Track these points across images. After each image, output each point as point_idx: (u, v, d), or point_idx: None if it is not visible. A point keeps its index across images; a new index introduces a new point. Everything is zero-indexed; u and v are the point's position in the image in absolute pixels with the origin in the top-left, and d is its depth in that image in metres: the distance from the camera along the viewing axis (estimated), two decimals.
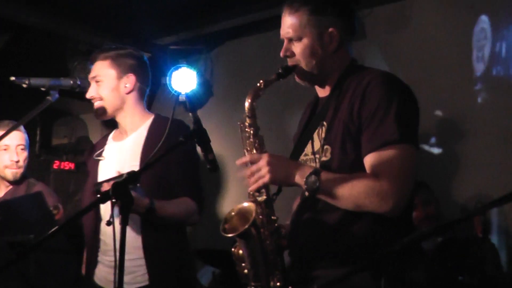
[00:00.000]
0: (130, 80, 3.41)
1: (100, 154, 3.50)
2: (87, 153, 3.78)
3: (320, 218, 2.61)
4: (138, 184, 3.24)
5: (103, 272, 3.35)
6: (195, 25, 5.58)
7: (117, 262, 2.31)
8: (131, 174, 2.39)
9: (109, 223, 2.63)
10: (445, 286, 3.82)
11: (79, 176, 5.64)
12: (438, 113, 4.76)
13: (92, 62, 3.46)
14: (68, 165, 5.73)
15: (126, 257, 3.24)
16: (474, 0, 4.63)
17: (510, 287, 4.17)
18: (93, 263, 3.38)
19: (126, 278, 3.26)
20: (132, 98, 3.43)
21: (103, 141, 3.63)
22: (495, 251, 4.16)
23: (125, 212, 2.29)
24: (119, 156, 3.39)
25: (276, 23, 2.85)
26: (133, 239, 3.27)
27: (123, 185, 2.30)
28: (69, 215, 3.35)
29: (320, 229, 2.61)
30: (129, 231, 3.25)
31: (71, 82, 3.25)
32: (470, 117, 4.61)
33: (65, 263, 3.25)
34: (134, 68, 3.45)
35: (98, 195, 3.03)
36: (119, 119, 3.47)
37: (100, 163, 3.47)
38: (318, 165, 2.64)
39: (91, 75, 3.44)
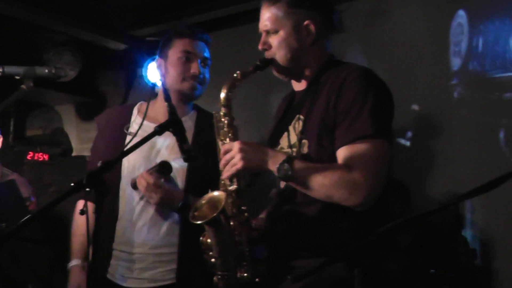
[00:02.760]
0: None
1: (128, 128, 3.44)
2: (101, 120, 3.68)
3: (298, 210, 2.65)
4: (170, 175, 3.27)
5: (119, 266, 3.33)
6: (172, 17, 5.58)
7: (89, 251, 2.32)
8: (107, 162, 2.38)
9: (82, 212, 2.63)
10: (417, 278, 3.86)
11: (53, 167, 5.61)
12: (415, 107, 4.78)
13: (186, 35, 3.51)
14: (42, 156, 5.68)
15: (152, 251, 3.27)
16: None
17: (483, 280, 4.22)
18: (106, 256, 3.34)
19: (150, 273, 3.29)
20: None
21: (124, 113, 3.56)
22: (467, 244, 4.21)
23: (100, 201, 2.30)
24: (167, 146, 3.37)
25: (253, 16, 2.87)
26: (163, 234, 3.30)
27: (97, 174, 2.30)
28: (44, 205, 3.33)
29: (298, 221, 2.64)
30: (163, 226, 3.33)
31: (46, 71, 3.23)
32: (446, 111, 4.64)
33: (39, 253, 3.25)
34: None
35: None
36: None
37: (128, 138, 3.29)
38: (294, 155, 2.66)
39: (202, 54, 3.50)
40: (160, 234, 3.31)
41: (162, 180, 3.26)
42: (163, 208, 3.28)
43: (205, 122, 3.25)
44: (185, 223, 3.21)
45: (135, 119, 3.48)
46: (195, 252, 3.12)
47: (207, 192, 3.06)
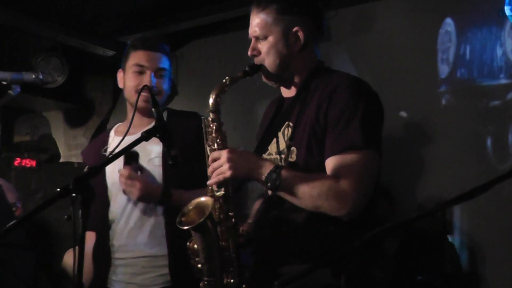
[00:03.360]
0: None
1: (106, 150, 3.47)
2: (84, 153, 3.75)
3: (285, 217, 2.65)
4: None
5: (120, 274, 3.36)
6: (160, 24, 5.58)
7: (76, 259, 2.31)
8: (93, 168, 2.39)
9: (69, 218, 2.63)
10: (404, 285, 3.87)
11: (40, 174, 5.59)
12: (403, 114, 4.80)
13: (138, 47, 3.48)
14: (30, 163, 5.65)
15: (142, 258, 3.29)
16: (439, 3, 4.68)
17: (469, 286, 4.24)
18: (105, 264, 3.38)
19: (141, 278, 3.29)
20: None
21: (102, 140, 3.60)
22: (454, 250, 4.22)
23: (86, 206, 2.29)
24: (142, 146, 3.35)
25: (241, 23, 2.88)
26: (150, 239, 3.31)
27: (83, 179, 2.30)
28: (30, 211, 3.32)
29: (285, 228, 2.65)
30: (152, 229, 3.35)
31: (33, 76, 3.24)
32: (434, 118, 4.65)
33: (24, 259, 3.23)
34: (171, 70, 3.57)
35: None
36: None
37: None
38: (281, 163, 2.66)
39: (153, 65, 3.45)
40: (147, 238, 3.33)
41: (139, 172, 3.27)
42: (145, 203, 3.30)
43: (177, 123, 3.31)
44: (171, 225, 3.20)
45: (113, 140, 3.54)
46: (185, 255, 3.18)
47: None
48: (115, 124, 3.72)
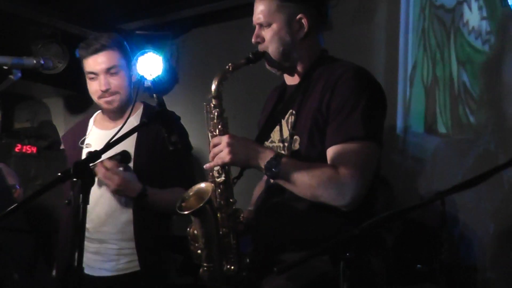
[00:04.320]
0: (134, 66, 3.46)
1: (83, 142, 3.49)
2: (64, 138, 3.80)
3: (286, 205, 2.65)
4: (129, 165, 3.29)
5: (88, 259, 3.34)
6: (162, 11, 5.57)
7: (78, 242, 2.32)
8: (93, 153, 2.39)
9: (69, 202, 2.64)
10: (402, 274, 3.88)
11: (40, 160, 5.60)
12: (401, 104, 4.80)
13: (99, 51, 3.40)
14: (30, 149, 5.67)
15: (116, 243, 3.30)
16: None
17: (466, 276, 4.25)
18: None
19: (111, 264, 3.34)
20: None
21: (81, 127, 3.61)
22: (453, 241, 4.25)
23: (86, 191, 2.29)
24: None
25: (243, 11, 2.88)
26: (124, 225, 3.35)
27: (84, 164, 2.30)
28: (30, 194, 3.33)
29: (286, 216, 2.65)
30: (120, 217, 3.39)
31: (34, 61, 3.23)
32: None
33: (22, 244, 3.24)
34: (131, 53, 3.49)
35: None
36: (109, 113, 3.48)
37: (84, 151, 3.46)
38: (284, 151, 2.67)
39: (102, 66, 3.39)
40: (118, 225, 3.39)
41: (121, 168, 3.30)
42: (120, 196, 3.33)
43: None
44: (139, 214, 3.32)
45: (91, 130, 3.57)
46: (152, 245, 3.32)
47: (153, 185, 3.25)
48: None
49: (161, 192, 3.32)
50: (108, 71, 3.39)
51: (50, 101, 6.52)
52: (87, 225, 3.29)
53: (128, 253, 3.37)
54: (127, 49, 3.50)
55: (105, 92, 3.40)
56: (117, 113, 3.48)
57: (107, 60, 3.40)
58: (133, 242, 3.36)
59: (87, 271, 3.33)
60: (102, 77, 3.40)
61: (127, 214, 3.37)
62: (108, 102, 3.42)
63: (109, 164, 3.26)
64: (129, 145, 3.33)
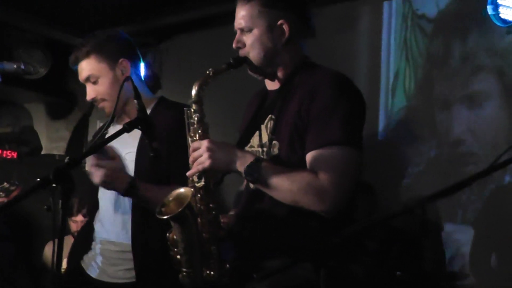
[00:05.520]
0: (124, 65, 3.27)
1: (104, 135, 3.37)
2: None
3: (267, 211, 2.64)
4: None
5: (97, 261, 3.30)
6: (145, 18, 5.56)
7: (56, 248, 2.29)
8: (72, 159, 2.37)
9: (48, 208, 2.60)
10: (383, 281, 3.88)
11: (22, 166, 5.57)
12: (383, 113, 4.81)
13: (75, 63, 3.29)
14: (11, 154, 5.64)
15: (112, 247, 3.23)
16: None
17: (447, 283, 4.27)
18: (84, 250, 3.33)
19: (113, 269, 3.25)
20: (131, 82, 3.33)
21: (106, 124, 3.51)
22: (434, 248, 4.26)
23: (66, 197, 2.27)
24: (119, 141, 3.29)
25: (226, 19, 2.87)
26: (121, 230, 3.23)
27: (64, 170, 2.28)
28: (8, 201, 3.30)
29: (267, 222, 2.64)
30: (117, 221, 3.26)
31: (15, 66, 3.20)
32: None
33: (3, 248, 3.22)
34: (122, 51, 3.31)
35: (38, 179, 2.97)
36: (125, 106, 3.32)
37: None
38: (264, 156, 2.66)
39: (82, 77, 3.28)
40: (120, 230, 3.27)
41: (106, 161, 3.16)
42: (109, 190, 3.17)
43: (163, 113, 3.26)
44: (137, 221, 3.18)
45: (112, 125, 3.43)
46: (151, 250, 3.12)
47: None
48: (97, 117, 3.68)
49: (156, 188, 3.11)
50: (87, 81, 3.30)
51: (31, 107, 6.49)
52: (99, 229, 3.30)
53: (129, 259, 3.20)
54: (108, 48, 3.32)
55: (95, 101, 3.33)
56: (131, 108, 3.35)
57: (82, 71, 3.30)
58: (130, 248, 3.21)
59: (89, 271, 3.29)
60: (87, 87, 3.32)
61: (128, 218, 3.22)
62: (102, 109, 3.35)
63: (92, 160, 3.11)
64: (134, 137, 3.21)
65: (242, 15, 2.73)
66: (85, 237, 3.38)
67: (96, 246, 3.32)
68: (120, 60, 3.28)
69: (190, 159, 2.59)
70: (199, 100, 2.64)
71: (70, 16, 5.38)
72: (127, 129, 2.55)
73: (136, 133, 3.19)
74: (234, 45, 2.76)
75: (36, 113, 6.46)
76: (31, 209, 3.77)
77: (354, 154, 2.57)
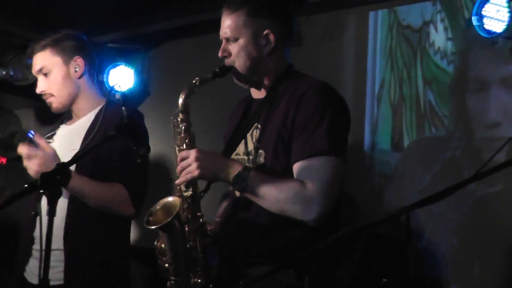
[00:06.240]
0: (78, 63, 3.28)
1: (50, 137, 3.38)
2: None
3: (252, 219, 2.65)
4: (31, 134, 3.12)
5: (32, 264, 3.22)
6: (134, 25, 5.56)
7: (43, 255, 2.27)
8: (60, 165, 2.37)
9: (36, 214, 2.58)
10: (369, 287, 3.89)
11: (10, 171, 5.54)
12: (368, 122, 4.83)
13: (31, 55, 3.29)
14: (0, 160, 5.63)
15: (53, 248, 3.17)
16: (408, 12, 4.73)
17: None
18: (26, 256, 3.25)
19: (32, 263, 3.18)
20: (84, 82, 3.32)
21: (57, 124, 3.50)
22: (418, 255, 4.27)
23: (53, 202, 2.26)
24: (65, 140, 3.27)
25: (213, 26, 2.87)
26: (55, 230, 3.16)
27: (51, 176, 2.27)
28: None
29: (252, 230, 2.65)
30: (59, 224, 3.11)
31: (4, 72, 3.21)
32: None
33: None
34: (78, 49, 3.32)
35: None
36: (73, 104, 3.34)
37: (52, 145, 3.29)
38: (249, 164, 2.66)
39: (35, 69, 3.28)
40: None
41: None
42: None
43: (108, 115, 3.23)
44: (70, 222, 3.11)
45: (61, 126, 3.48)
46: (81, 251, 3.05)
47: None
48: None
49: (93, 182, 3.09)
50: (39, 74, 3.30)
51: (20, 112, 6.45)
52: (37, 234, 3.18)
53: (60, 260, 3.13)
54: (65, 44, 3.34)
55: (44, 95, 3.33)
56: (70, 111, 3.39)
57: (36, 64, 3.30)
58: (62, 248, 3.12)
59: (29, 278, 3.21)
60: (38, 79, 3.33)
61: (60, 220, 3.09)
62: (49, 104, 3.33)
63: (23, 150, 3.09)
64: (79, 137, 3.23)
65: (227, 24, 2.73)
66: (25, 249, 3.29)
67: (34, 253, 3.25)
68: (75, 57, 3.30)
69: (178, 168, 2.59)
70: (185, 109, 2.65)
71: (59, 22, 5.33)
72: (115, 135, 2.55)
73: (81, 132, 3.20)
74: (220, 54, 2.76)
75: (25, 119, 6.42)
76: (16, 215, 3.71)
77: (339, 163, 2.58)
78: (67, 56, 3.29)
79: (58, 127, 3.40)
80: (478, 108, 4.16)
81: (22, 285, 3.22)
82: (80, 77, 3.31)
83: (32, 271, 3.20)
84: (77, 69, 3.29)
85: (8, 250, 3.27)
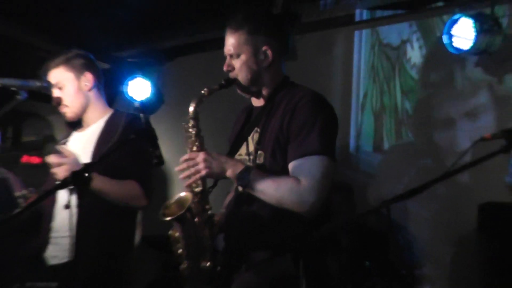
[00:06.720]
0: (88, 78, 3.29)
1: (64, 143, 3.37)
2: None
3: (253, 211, 2.63)
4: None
5: (51, 249, 3.20)
6: (150, 42, 5.57)
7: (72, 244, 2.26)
8: (87, 164, 2.36)
9: (66, 206, 2.57)
10: (354, 270, 3.88)
11: (45, 169, 5.53)
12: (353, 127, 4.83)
13: (46, 73, 3.29)
14: (35, 160, 5.63)
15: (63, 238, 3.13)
16: (388, 32, 4.74)
17: (407, 271, 4.28)
18: (45, 243, 3.22)
19: (51, 248, 3.15)
20: (93, 94, 3.31)
21: (70, 132, 3.49)
22: (397, 243, 4.27)
23: (82, 197, 2.26)
24: (77, 145, 3.28)
25: (218, 44, 2.86)
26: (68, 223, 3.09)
27: (80, 173, 2.27)
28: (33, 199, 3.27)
29: (252, 220, 2.63)
30: (65, 216, 3.03)
31: (38, 84, 3.19)
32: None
33: (26, 243, 3.19)
34: (88, 66, 3.31)
35: (57, 182, 2.85)
36: (84, 114, 3.33)
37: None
38: (251, 165, 2.65)
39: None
40: (65, 223, 3.07)
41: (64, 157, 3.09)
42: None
43: (113, 122, 3.23)
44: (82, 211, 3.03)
45: (73, 134, 3.44)
46: (90, 237, 2.92)
47: None
48: None
49: (111, 180, 3.06)
50: (55, 86, 3.29)
51: (53, 118, 6.45)
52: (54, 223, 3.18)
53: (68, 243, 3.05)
54: (76, 62, 3.33)
55: (58, 106, 3.31)
56: (81, 120, 3.36)
57: (51, 79, 3.29)
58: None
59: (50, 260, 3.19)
60: (53, 93, 3.31)
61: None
62: (63, 114, 3.33)
63: (53, 159, 3.06)
64: (90, 142, 3.21)
65: (231, 42, 2.72)
66: (46, 236, 3.25)
67: (51, 240, 3.21)
68: (85, 73, 3.30)
69: (185, 165, 2.58)
70: (196, 116, 2.64)
71: (86, 41, 5.37)
72: (134, 138, 2.54)
73: (92, 137, 3.20)
74: (224, 68, 2.75)
75: (56, 124, 6.41)
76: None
77: (330, 162, 2.57)
78: (78, 72, 3.30)
79: (70, 134, 3.40)
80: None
81: (42, 266, 3.20)
82: (89, 90, 3.31)
83: (50, 255, 3.18)
84: (87, 83, 3.30)
85: (34, 236, 3.25)
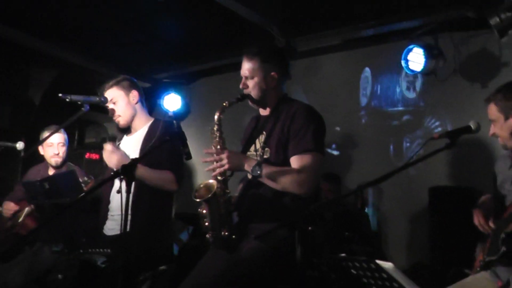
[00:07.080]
0: (134, 95, 3.28)
1: (119, 144, 3.34)
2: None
3: (259, 194, 2.64)
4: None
5: (108, 224, 3.19)
6: (180, 66, 5.59)
7: (122, 220, 2.27)
8: (134, 160, 2.36)
9: (118, 191, 2.59)
10: (335, 238, 3.88)
11: (102, 163, 5.54)
12: (337, 128, 4.82)
13: (103, 91, 3.30)
14: (95, 156, 5.65)
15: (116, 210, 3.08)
16: (360, 58, 4.73)
17: (377, 241, 4.28)
18: (104, 219, 3.21)
19: (109, 223, 3.12)
20: (138, 107, 3.32)
21: (122, 136, 3.46)
22: (368, 218, 4.27)
23: (129, 184, 2.26)
24: (127, 146, 3.30)
25: (235, 67, 2.86)
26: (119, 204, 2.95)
27: (128, 166, 2.27)
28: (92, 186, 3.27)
29: (259, 201, 2.64)
30: (119, 199, 2.98)
31: (97, 99, 3.20)
32: (357, 132, 4.69)
33: (88, 219, 3.20)
34: (133, 85, 3.32)
35: (112, 172, 2.82)
36: (132, 122, 3.32)
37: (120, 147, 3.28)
38: (259, 159, 2.66)
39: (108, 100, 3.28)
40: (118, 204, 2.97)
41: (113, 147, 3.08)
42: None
43: (153, 129, 3.21)
44: (132, 196, 2.73)
45: (124, 137, 3.39)
46: (139, 213, 2.90)
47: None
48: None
49: (151, 170, 3.05)
50: (110, 101, 3.29)
51: (108, 125, 6.48)
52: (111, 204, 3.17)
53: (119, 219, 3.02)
54: (125, 83, 3.32)
55: (113, 116, 3.32)
56: (130, 127, 3.35)
57: (108, 96, 3.28)
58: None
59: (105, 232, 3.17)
60: (109, 107, 3.30)
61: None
62: (117, 122, 3.33)
63: (108, 146, 3.07)
64: (138, 144, 3.20)
65: (247, 67, 2.73)
66: (104, 215, 3.23)
67: (110, 215, 3.18)
68: (132, 90, 3.31)
69: (212, 158, 2.60)
70: (219, 122, 2.65)
71: (133, 65, 5.40)
72: (168, 140, 2.55)
73: (138, 140, 3.21)
74: (241, 86, 2.76)
75: (111, 128, 6.45)
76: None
77: (321, 157, 2.60)
78: (127, 90, 3.30)
79: (122, 137, 3.42)
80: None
81: (101, 237, 3.21)
82: (136, 104, 3.32)
83: (108, 228, 3.18)
84: (134, 99, 3.31)
85: (97, 215, 3.25)
